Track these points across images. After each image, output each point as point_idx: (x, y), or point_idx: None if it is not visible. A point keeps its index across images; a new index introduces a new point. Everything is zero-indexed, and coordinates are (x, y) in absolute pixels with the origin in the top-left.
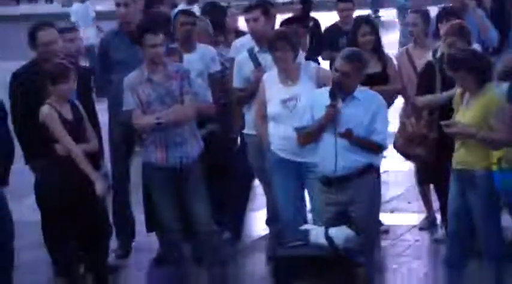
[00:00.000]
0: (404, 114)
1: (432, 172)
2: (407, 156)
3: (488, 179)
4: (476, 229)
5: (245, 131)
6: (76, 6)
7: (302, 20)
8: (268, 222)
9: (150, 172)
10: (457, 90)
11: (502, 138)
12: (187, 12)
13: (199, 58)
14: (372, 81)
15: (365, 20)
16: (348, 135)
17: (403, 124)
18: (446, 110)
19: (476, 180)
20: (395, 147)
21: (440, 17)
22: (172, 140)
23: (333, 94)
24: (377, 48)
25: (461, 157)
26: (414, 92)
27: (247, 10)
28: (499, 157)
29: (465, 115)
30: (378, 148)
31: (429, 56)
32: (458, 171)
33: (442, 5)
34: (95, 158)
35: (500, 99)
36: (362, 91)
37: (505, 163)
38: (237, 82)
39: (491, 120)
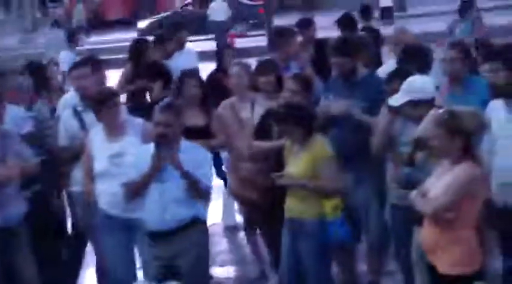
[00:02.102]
0: (235, 159)
1: (261, 220)
2: (241, 200)
3: (319, 227)
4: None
5: (73, 189)
6: None
7: None
8: (99, 280)
9: None
10: (287, 142)
11: (332, 186)
12: None
13: (10, 119)
14: (197, 135)
15: (190, 73)
16: (174, 161)
17: (235, 167)
18: (281, 157)
19: (307, 228)
20: (231, 189)
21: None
22: None
23: (157, 146)
24: (204, 101)
25: (291, 206)
26: (241, 143)
27: (74, 67)
28: (334, 206)
29: (295, 166)
30: (203, 191)
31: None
32: (290, 220)
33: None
34: None
35: (326, 148)
36: (186, 145)
37: (338, 213)
38: (62, 141)
39: (320, 170)
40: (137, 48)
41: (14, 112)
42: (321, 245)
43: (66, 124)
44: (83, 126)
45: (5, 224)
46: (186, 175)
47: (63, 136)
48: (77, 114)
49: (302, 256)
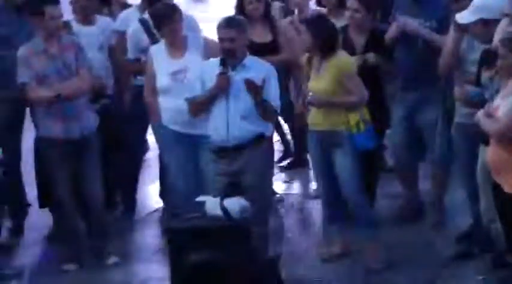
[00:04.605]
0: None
1: None
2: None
3: (352, 139)
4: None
5: None
6: None
7: None
8: (162, 195)
9: (47, 146)
10: (308, 55)
11: (358, 99)
12: None
13: (100, 31)
14: (263, 50)
15: None
16: (249, 84)
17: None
18: None
19: (342, 140)
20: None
21: None
22: (69, 113)
23: (223, 63)
24: (266, 16)
25: (320, 119)
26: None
27: None
28: (357, 121)
29: (319, 81)
30: (272, 112)
31: None
32: (319, 133)
33: None
34: None
35: (349, 63)
36: (251, 59)
37: (362, 125)
38: (132, 54)
39: (345, 83)
40: None
41: (105, 25)
42: (355, 155)
43: (136, 37)
44: (153, 39)
45: (81, 135)
46: (257, 95)
47: (133, 49)
48: (146, 27)
49: (337, 167)
